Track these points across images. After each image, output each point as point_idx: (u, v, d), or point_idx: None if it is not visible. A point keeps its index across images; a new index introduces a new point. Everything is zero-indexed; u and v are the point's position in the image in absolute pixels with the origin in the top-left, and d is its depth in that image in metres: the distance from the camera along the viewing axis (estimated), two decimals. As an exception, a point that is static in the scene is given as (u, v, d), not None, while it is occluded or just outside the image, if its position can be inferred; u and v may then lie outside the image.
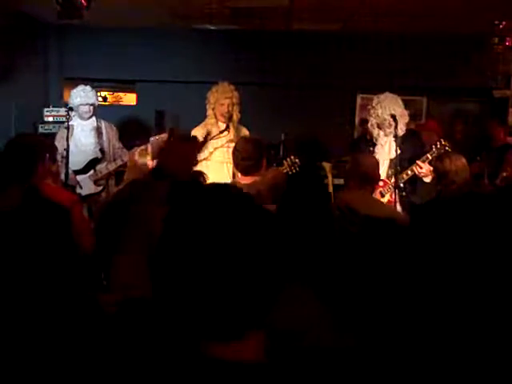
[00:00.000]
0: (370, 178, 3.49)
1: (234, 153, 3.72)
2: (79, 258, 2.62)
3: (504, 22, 5.43)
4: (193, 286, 0.90)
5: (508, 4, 4.95)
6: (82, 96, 5.43)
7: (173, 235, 0.96)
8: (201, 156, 4.80)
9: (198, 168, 4.90)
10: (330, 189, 5.73)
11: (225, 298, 0.90)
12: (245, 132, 5.00)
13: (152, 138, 5.04)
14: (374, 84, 5.79)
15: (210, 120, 4.93)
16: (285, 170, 4.14)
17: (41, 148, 3.09)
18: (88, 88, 5.52)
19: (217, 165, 4.80)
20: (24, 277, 2.19)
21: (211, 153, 4.82)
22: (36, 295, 2.17)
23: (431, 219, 2.25)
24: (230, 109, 4.85)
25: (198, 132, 4.94)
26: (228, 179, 4.56)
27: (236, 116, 4.91)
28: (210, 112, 4.93)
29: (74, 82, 6.13)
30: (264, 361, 0.93)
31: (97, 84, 7.45)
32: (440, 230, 2.22)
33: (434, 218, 2.25)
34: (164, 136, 5.01)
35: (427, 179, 4.46)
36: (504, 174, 4.68)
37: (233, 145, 4.04)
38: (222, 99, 4.83)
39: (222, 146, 4.80)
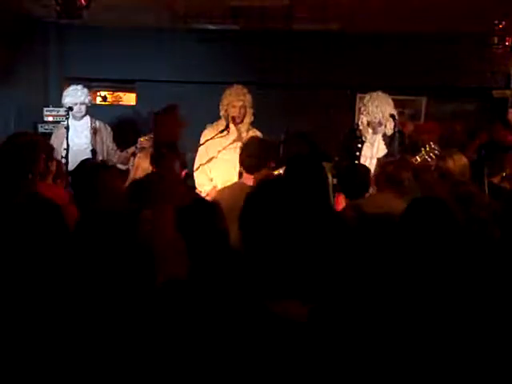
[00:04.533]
0: (395, 180, 3.47)
1: (240, 151, 3.79)
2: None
3: (504, 22, 5.42)
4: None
5: (508, 4, 4.95)
6: (72, 95, 5.45)
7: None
8: (209, 154, 4.86)
9: (206, 166, 4.95)
10: (330, 189, 5.73)
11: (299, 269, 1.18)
12: (257, 133, 5.02)
13: (141, 139, 5.07)
14: (374, 84, 5.79)
15: (221, 121, 5.01)
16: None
17: (38, 147, 3.06)
18: (79, 87, 5.53)
19: (224, 163, 4.83)
20: (15, 276, 2.20)
21: (219, 151, 4.87)
22: (25, 293, 2.18)
23: (427, 215, 2.26)
24: (243, 111, 4.93)
25: (208, 133, 4.96)
26: (235, 178, 4.58)
27: (249, 118, 4.98)
28: (222, 113, 5.01)
29: (74, 81, 6.12)
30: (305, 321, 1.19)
31: (97, 84, 7.47)
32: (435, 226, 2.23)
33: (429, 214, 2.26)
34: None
35: None
36: (503, 174, 4.67)
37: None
38: (234, 101, 4.92)
39: (229, 145, 4.84)
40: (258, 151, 3.67)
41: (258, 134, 4.96)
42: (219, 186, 4.57)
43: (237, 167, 4.52)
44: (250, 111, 4.99)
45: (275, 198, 1.22)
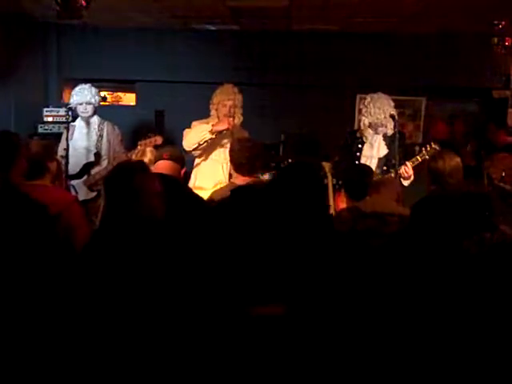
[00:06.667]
0: (384, 184, 3.54)
1: (230, 154, 3.73)
2: (63, 255, 2.60)
3: (503, 22, 5.43)
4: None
5: (508, 4, 4.95)
6: (78, 95, 5.32)
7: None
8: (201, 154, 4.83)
9: (195, 166, 4.93)
10: (330, 189, 5.73)
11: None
12: (246, 135, 4.98)
13: (139, 142, 5.02)
14: (374, 84, 5.79)
15: (212, 120, 4.95)
16: None
17: (17, 146, 3.01)
18: (86, 86, 5.40)
19: (214, 164, 4.80)
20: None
21: (210, 152, 4.83)
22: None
23: (428, 216, 2.26)
24: (232, 110, 4.86)
25: (200, 124, 4.88)
26: (224, 179, 4.55)
27: (238, 118, 4.91)
28: (213, 113, 4.95)
29: (74, 82, 6.11)
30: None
31: (96, 84, 7.45)
32: (437, 226, 2.23)
33: (431, 215, 2.26)
34: (153, 139, 5.00)
35: (405, 183, 4.57)
36: (503, 174, 4.66)
37: None
38: (224, 100, 4.86)
39: (221, 147, 4.80)
40: (254, 154, 3.65)
41: (247, 134, 4.93)
42: (205, 186, 4.54)
43: (225, 167, 4.49)
44: (239, 111, 4.92)
45: (250, 205, 1.35)
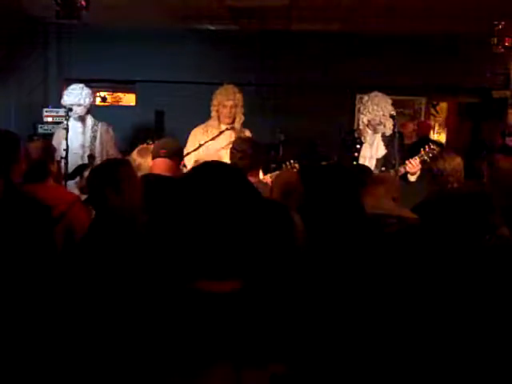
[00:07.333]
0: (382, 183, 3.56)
1: (231, 152, 3.72)
2: (59, 256, 2.62)
3: (503, 22, 5.43)
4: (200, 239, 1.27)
5: (508, 4, 4.95)
6: (68, 95, 5.16)
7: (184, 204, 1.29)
8: (202, 157, 4.81)
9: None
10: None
11: (222, 250, 1.27)
12: (247, 134, 4.97)
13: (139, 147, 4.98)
14: (374, 84, 5.79)
15: (212, 122, 4.95)
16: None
17: (17, 145, 2.99)
18: (77, 87, 5.24)
19: None
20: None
21: (211, 154, 4.82)
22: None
23: (433, 216, 2.26)
24: (233, 111, 4.86)
25: (198, 132, 4.92)
26: None
27: (239, 118, 4.91)
28: (213, 114, 4.95)
29: (74, 82, 6.10)
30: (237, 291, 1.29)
31: (96, 84, 7.47)
32: (442, 227, 2.23)
33: (435, 216, 2.25)
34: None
35: (412, 178, 4.57)
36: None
37: None
38: (224, 101, 4.86)
39: (222, 148, 4.80)
40: (250, 152, 3.63)
41: (249, 134, 4.91)
42: None
43: None
44: (240, 111, 4.90)
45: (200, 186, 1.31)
